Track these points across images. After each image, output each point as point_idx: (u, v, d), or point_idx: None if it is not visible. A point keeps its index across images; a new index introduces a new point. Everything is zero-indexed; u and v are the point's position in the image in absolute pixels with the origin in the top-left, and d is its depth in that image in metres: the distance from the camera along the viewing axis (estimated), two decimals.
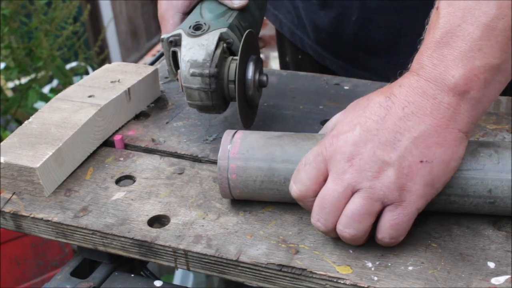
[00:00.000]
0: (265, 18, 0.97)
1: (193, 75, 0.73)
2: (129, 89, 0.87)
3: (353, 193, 0.59)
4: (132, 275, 0.71)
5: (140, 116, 0.89)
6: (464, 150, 0.60)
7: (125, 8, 3.47)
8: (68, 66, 2.38)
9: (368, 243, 0.63)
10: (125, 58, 3.44)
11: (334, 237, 0.63)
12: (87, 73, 2.43)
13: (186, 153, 0.80)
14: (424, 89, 0.59)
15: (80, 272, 0.72)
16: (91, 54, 2.46)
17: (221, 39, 0.75)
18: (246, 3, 0.80)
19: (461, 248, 0.62)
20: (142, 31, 3.67)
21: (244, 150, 0.67)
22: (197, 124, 0.86)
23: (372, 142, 0.59)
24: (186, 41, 0.75)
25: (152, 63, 0.98)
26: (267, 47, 2.84)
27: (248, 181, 0.66)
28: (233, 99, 0.77)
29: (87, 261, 0.74)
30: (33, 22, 2.11)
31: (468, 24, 0.57)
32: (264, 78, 0.78)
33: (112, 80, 0.88)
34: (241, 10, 0.80)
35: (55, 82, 2.61)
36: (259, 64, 0.78)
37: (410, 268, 0.60)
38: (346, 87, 0.95)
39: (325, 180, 0.61)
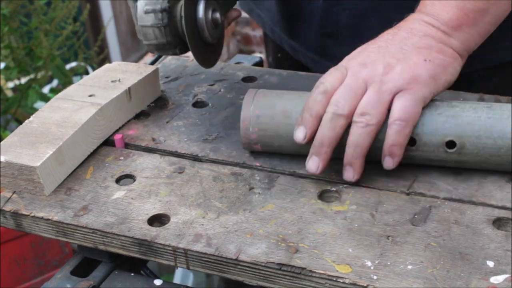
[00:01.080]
0: (252, 19, 0.98)
1: (146, 12, 0.76)
2: (129, 88, 0.87)
3: (366, 88, 0.68)
4: (132, 274, 0.71)
5: (140, 116, 0.90)
6: (459, 66, 0.72)
7: (125, 8, 3.46)
8: (68, 66, 2.38)
9: (368, 241, 0.63)
10: (125, 58, 3.44)
11: (331, 137, 0.68)
12: (87, 73, 2.43)
13: (186, 153, 0.80)
14: (424, 19, 0.72)
15: (80, 271, 0.72)
16: (91, 54, 2.45)
17: None
18: None
19: (461, 247, 0.62)
20: None
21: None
22: (197, 123, 0.86)
23: (382, 53, 0.70)
24: None
25: (152, 63, 0.98)
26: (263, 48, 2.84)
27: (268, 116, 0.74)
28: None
29: (87, 260, 0.74)
30: (33, 22, 2.11)
31: None
32: (217, 15, 0.80)
33: (113, 80, 0.88)
34: None
35: (55, 82, 2.61)
36: (212, 2, 0.80)
37: (410, 267, 0.60)
38: None
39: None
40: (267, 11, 1.12)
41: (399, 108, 0.67)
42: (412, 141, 0.70)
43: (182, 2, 0.77)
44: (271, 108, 0.74)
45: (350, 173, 0.70)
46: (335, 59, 1.00)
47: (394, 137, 0.67)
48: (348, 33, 0.98)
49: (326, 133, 0.68)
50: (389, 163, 0.69)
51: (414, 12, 0.75)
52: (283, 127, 0.73)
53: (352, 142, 0.68)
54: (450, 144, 0.69)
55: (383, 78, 0.68)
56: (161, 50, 0.80)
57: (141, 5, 0.77)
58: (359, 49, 0.73)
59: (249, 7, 1.15)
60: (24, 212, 0.71)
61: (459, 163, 0.71)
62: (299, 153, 0.74)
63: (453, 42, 0.71)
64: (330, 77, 0.70)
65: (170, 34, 0.77)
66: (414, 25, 0.72)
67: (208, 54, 0.83)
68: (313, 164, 0.70)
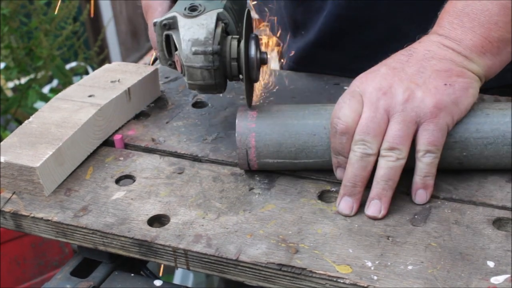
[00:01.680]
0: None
1: (195, 53, 0.72)
2: (129, 89, 0.87)
3: (389, 118, 0.66)
4: (132, 275, 0.71)
5: (140, 116, 0.90)
6: (478, 87, 0.69)
7: (125, 8, 3.46)
8: (68, 66, 2.38)
9: (368, 241, 0.63)
10: (125, 58, 3.44)
11: (367, 169, 0.66)
12: (87, 73, 2.43)
13: (186, 153, 0.80)
14: (444, 43, 0.69)
15: (80, 272, 0.72)
16: (91, 54, 2.45)
17: (218, 19, 0.75)
18: None
19: (461, 247, 0.62)
20: (142, 31, 3.66)
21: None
22: (197, 124, 0.86)
23: (399, 75, 0.67)
24: (183, 22, 0.74)
25: (152, 63, 0.98)
26: (265, 48, 2.83)
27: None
28: (234, 78, 0.77)
29: (87, 261, 0.74)
30: (33, 22, 2.11)
31: (488, 1, 0.68)
32: (265, 56, 0.78)
33: (112, 80, 0.88)
34: None
35: (55, 82, 2.61)
36: (259, 42, 0.78)
37: (410, 267, 0.60)
38: (345, 87, 0.95)
39: (360, 111, 0.67)
40: (275, 14, 1.11)
41: (427, 141, 0.66)
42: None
43: (231, 42, 0.74)
44: (269, 118, 0.72)
45: (377, 208, 0.67)
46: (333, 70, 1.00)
47: (428, 168, 0.67)
48: (349, 42, 0.97)
49: (358, 173, 0.67)
50: (422, 196, 0.68)
51: (429, 34, 0.71)
52: (283, 127, 0.72)
53: (383, 177, 0.66)
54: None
55: (405, 106, 0.65)
56: (205, 90, 0.77)
57: (187, 44, 0.73)
58: (371, 70, 0.70)
59: (260, 9, 1.14)
60: (24, 213, 0.71)
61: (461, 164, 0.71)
62: (298, 167, 0.73)
63: (474, 67, 0.69)
64: (347, 110, 0.67)
65: (218, 76, 0.74)
66: (432, 47, 0.69)
67: (251, 92, 0.81)
68: (347, 205, 0.67)
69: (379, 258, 0.61)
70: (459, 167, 0.71)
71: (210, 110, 0.90)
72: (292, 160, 0.72)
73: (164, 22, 0.75)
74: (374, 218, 0.66)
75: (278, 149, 0.71)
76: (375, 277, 0.59)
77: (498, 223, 0.65)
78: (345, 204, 0.67)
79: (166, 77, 0.99)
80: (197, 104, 0.92)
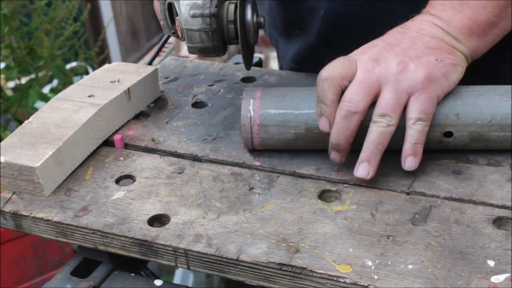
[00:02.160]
0: None
1: (193, 16, 0.75)
2: (129, 89, 0.87)
3: (380, 86, 0.69)
4: (132, 275, 0.71)
5: (140, 116, 0.90)
6: (465, 67, 0.73)
7: (125, 8, 3.46)
8: (68, 66, 2.38)
9: (368, 241, 0.63)
10: (125, 58, 3.44)
11: (348, 135, 0.69)
12: (87, 73, 2.43)
13: (186, 153, 0.80)
14: (435, 22, 0.72)
15: (80, 272, 0.72)
16: (91, 54, 2.45)
17: None
18: None
19: (461, 246, 0.62)
20: (142, 31, 3.66)
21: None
22: (196, 123, 0.86)
23: (394, 50, 0.70)
24: None
25: (149, 63, 0.98)
26: (266, 47, 2.83)
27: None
28: (232, 40, 0.79)
29: (87, 261, 0.74)
30: (33, 22, 2.11)
31: None
32: (262, 19, 0.81)
33: (112, 80, 0.88)
34: None
35: (55, 82, 2.61)
36: (255, 6, 0.80)
37: (410, 266, 0.60)
38: None
39: (352, 74, 0.70)
40: (266, 14, 1.11)
41: (418, 109, 0.69)
42: (448, 134, 0.72)
43: (228, 6, 0.77)
44: (274, 94, 0.75)
45: (365, 170, 0.70)
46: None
47: (418, 136, 0.69)
48: (352, 40, 0.97)
49: (342, 132, 0.70)
50: (412, 163, 0.70)
51: (422, 13, 0.75)
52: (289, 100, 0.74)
53: (374, 140, 0.69)
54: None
55: (398, 77, 0.69)
56: (204, 53, 0.80)
57: (185, 8, 0.76)
58: (368, 44, 0.73)
59: None
60: (24, 213, 0.71)
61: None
62: (301, 145, 0.75)
63: (461, 47, 0.72)
64: (336, 63, 0.71)
65: (216, 38, 0.77)
66: (424, 26, 0.72)
67: (249, 56, 0.84)
68: (336, 156, 0.72)
69: (380, 257, 0.61)
70: (456, 122, 0.72)
71: (210, 110, 0.90)
72: (294, 110, 0.73)
73: None
74: (363, 179, 0.70)
75: (281, 99, 0.74)
76: (376, 277, 0.59)
77: (498, 222, 0.65)
78: (334, 155, 0.72)
79: (166, 77, 1.00)
80: (197, 104, 0.92)
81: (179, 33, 0.79)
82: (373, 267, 0.60)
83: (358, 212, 0.68)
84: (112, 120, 0.84)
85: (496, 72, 0.84)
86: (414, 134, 0.69)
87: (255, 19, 0.79)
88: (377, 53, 0.71)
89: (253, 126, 0.74)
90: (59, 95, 0.86)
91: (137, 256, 0.68)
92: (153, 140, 0.83)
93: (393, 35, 0.73)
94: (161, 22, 0.84)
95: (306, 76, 0.98)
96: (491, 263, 0.60)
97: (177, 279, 1.82)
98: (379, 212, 0.67)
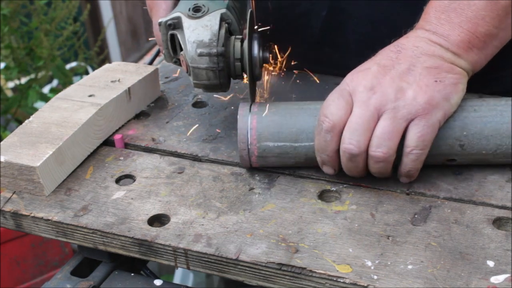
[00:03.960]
0: None
1: (200, 55, 0.74)
2: (129, 88, 0.87)
3: (379, 116, 0.66)
4: (132, 274, 0.71)
5: (140, 116, 0.90)
6: (466, 82, 0.69)
7: (125, 8, 3.46)
8: (68, 66, 2.38)
9: (368, 241, 0.63)
10: (125, 58, 3.44)
11: (359, 170, 0.68)
12: (87, 73, 2.43)
13: (186, 153, 0.80)
14: (431, 38, 0.69)
15: (80, 271, 0.72)
16: (91, 54, 2.45)
17: (222, 19, 0.76)
18: None
19: (461, 247, 0.62)
20: (142, 31, 3.66)
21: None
22: (197, 123, 0.86)
23: (389, 74, 0.67)
24: (188, 23, 0.75)
25: (150, 63, 0.98)
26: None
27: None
28: (238, 77, 0.78)
29: (87, 260, 0.74)
30: (33, 22, 2.11)
31: None
32: (267, 55, 0.79)
33: (113, 80, 0.88)
34: None
35: (55, 82, 2.61)
36: (261, 42, 0.79)
37: (410, 267, 0.60)
38: None
39: (349, 111, 0.67)
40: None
41: (416, 136, 0.66)
42: (452, 160, 0.71)
43: (234, 43, 0.76)
44: (271, 124, 0.72)
45: None
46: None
47: (412, 164, 0.67)
48: (355, 43, 0.97)
49: (352, 170, 0.69)
50: (405, 181, 0.71)
51: (415, 28, 0.71)
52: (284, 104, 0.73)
53: (374, 172, 0.69)
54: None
55: (396, 104, 0.65)
56: (210, 89, 0.78)
57: (192, 46, 0.74)
58: (361, 67, 0.70)
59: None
60: (24, 213, 0.71)
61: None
62: (298, 153, 0.73)
63: (462, 63, 0.69)
64: (334, 108, 0.67)
65: (223, 76, 0.76)
66: (420, 43, 0.69)
67: (254, 90, 0.82)
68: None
69: (379, 257, 0.61)
70: (461, 152, 0.70)
71: (210, 110, 0.90)
72: (292, 143, 0.71)
73: (169, 22, 0.77)
74: (350, 182, 0.71)
75: (279, 130, 0.72)
76: (375, 277, 0.59)
77: (498, 222, 0.65)
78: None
79: (166, 77, 1.00)
80: (197, 104, 0.92)
81: (184, 68, 0.78)
82: (372, 267, 0.60)
83: (358, 212, 0.68)
84: (112, 120, 0.84)
85: (496, 78, 0.83)
86: (408, 162, 0.67)
87: (261, 54, 0.78)
88: (371, 79, 0.67)
89: (252, 157, 0.73)
90: (60, 94, 0.86)
91: (137, 256, 0.68)
92: (153, 140, 0.83)
93: (387, 55, 0.69)
94: (161, 49, 0.82)
95: (306, 76, 0.98)
96: (490, 263, 0.60)
97: (177, 279, 1.82)
98: (379, 212, 0.67)
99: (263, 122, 0.72)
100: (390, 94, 0.66)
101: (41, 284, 0.83)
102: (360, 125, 0.65)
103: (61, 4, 2.18)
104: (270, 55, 0.80)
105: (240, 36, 0.77)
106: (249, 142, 0.72)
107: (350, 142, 0.66)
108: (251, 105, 0.74)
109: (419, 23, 0.71)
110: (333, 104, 0.67)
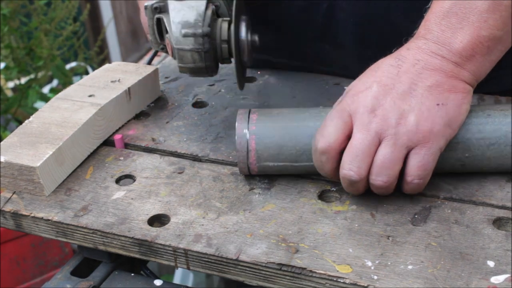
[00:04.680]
0: None
1: (185, 35, 0.72)
2: (129, 88, 0.87)
3: (380, 141, 0.64)
4: (132, 274, 0.71)
5: (140, 116, 0.90)
6: (471, 98, 0.67)
7: (125, 8, 3.46)
8: (68, 66, 2.38)
9: (368, 241, 0.63)
10: (125, 58, 3.44)
11: (360, 191, 0.67)
12: (87, 73, 2.43)
13: (186, 153, 0.80)
14: (432, 50, 0.66)
15: (80, 271, 0.72)
16: (91, 54, 2.45)
17: (209, 1, 0.74)
18: None
19: (461, 247, 0.62)
20: (142, 31, 3.66)
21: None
22: (197, 123, 0.86)
23: (390, 94, 0.65)
24: (173, 4, 0.73)
25: (148, 63, 0.98)
26: None
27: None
28: (225, 60, 0.76)
29: (87, 260, 0.74)
30: (33, 22, 2.11)
31: None
32: (256, 38, 0.77)
33: (113, 80, 0.88)
34: None
35: (55, 82, 2.61)
36: (250, 25, 0.77)
37: (410, 267, 0.60)
38: (346, 87, 0.95)
39: (350, 134, 0.65)
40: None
41: (417, 166, 0.64)
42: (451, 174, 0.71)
43: (221, 24, 0.74)
44: (270, 145, 0.71)
45: None
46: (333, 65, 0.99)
47: (413, 191, 0.67)
48: (353, 39, 0.97)
49: (353, 191, 0.68)
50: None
51: (416, 37, 0.68)
52: (284, 114, 0.72)
53: (376, 193, 0.67)
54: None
55: (397, 130, 0.63)
56: (196, 73, 0.76)
57: (176, 27, 0.72)
58: (360, 85, 0.67)
59: None
60: (24, 213, 0.71)
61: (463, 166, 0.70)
62: (298, 170, 0.72)
63: (465, 74, 0.66)
64: (332, 129, 0.65)
65: (209, 58, 0.74)
66: (421, 56, 0.66)
67: (243, 75, 0.80)
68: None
69: (379, 257, 0.61)
70: (461, 170, 0.70)
71: (210, 110, 0.90)
72: (292, 163, 0.71)
73: (155, 5, 0.75)
74: None
75: (278, 152, 0.70)
76: (375, 277, 0.59)
77: (498, 222, 0.65)
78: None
79: (166, 77, 1.00)
80: (197, 104, 0.92)
81: (170, 52, 0.76)
82: (372, 268, 0.60)
83: (358, 212, 0.68)
84: (112, 120, 0.84)
85: (496, 76, 0.82)
86: (408, 189, 0.67)
87: (249, 37, 0.75)
88: (372, 100, 0.65)
89: (252, 172, 0.72)
90: (60, 94, 0.86)
91: (137, 256, 0.68)
92: (153, 140, 0.83)
93: (387, 71, 0.66)
94: (149, 36, 0.81)
95: (306, 75, 0.98)
96: (491, 263, 0.60)
97: (177, 279, 1.82)
98: (379, 212, 0.67)
99: (262, 144, 0.70)
100: (391, 118, 0.64)
101: (41, 284, 0.83)
102: (361, 151, 0.64)
103: (61, 4, 2.18)
104: (258, 38, 0.78)
105: (228, 18, 0.75)
106: (249, 162, 0.71)
107: (351, 169, 0.64)
108: (248, 120, 0.71)
109: (420, 31, 0.68)
110: (331, 125, 0.66)
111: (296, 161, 0.71)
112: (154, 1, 0.76)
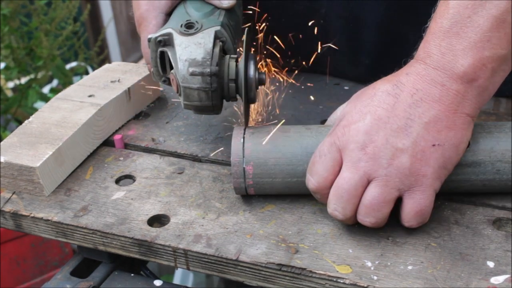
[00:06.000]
0: None
1: (193, 74, 0.69)
2: (129, 88, 0.87)
3: (369, 181, 0.61)
4: (132, 275, 0.71)
5: (140, 116, 0.90)
6: (471, 133, 0.63)
7: (125, 8, 3.46)
8: (68, 66, 2.38)
9: (368, 241, 0.63)
10: (125, 58, 3.44)
11: (350, 224, 0.64)
12: (87, 73, 2.43)
13: (186, 153, 0.80)
14: (432, 77, 0.61)
15: (80, 272, 0.72)
16: (91, 54, 2.45)
17: (216, 37, 0.72)
18: (234, 3, 0.77)
19: (461, 247, 0.62)
20: (140, 41, 3.65)
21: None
22: (197, 123, 0.86)
23: (384, 130, 0.61)
24: (179, 40, 0.71)
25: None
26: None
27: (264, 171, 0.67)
28: (231, 98, 0.74)
29: (87, 261, 0.74)
30: (33, 22, 2.11)
31: (478, 16, 0.60)
32: (263, 76, 0.75)
33: (112, 80, 0.88)
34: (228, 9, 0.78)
35: (55, 82, 2.61)
36: (257, 62, 0.75)
37: (410, 267, 0.60)
38: (346, 87, 0.95)
39: (338, 170, 0.62)
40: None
41: (413, 212, 0.61)
42: None
43: (228, 63, 0.72)
44: (267, 127, 0.69)
45: None
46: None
47: (415, 227, 0.64)
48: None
49: (346, 223, 0.65)
50: None
51: (416, 60, 0.63)
52: (280, 139, 0.68)
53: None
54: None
55: (388, 171, 0.60)
56: (201, 111, 0.74)
57: (184, 65, 0.70)
58: (354, 118, 0.63)
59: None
60: (24, 213, 0.71)
61: (474, 166, 0.67)
62: (297, 180, 0.69)
63: (466, 105, 0.61)
64: (321, 167, 0.63)
65: (216, 97, 0.71)
66: (420, 85, 0.61)
67: (248, 111, 0.77)
68: None
69: (379, 258, 0.61)
70: (483, 189, 0.68)
71: None
72: (290, 191, 0.69)
73: (159, 38, 0.73)
74: None
75: (276, 180, 0.68)
76: (375, 277, 0.59)
77: (498, 223, 0.65)
78: None
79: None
80: None
81: (174, 88, 0.73)
82: (372, 268, 0.60)
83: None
84: (112, 120, 0.84)
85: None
86: (407, 227, 0.64)
87: (257, 76, 0.73)
88: (363, 136, 0.61)
89: (249, 193, 0.70)
90: (59, 95, 0.86)
91: (137, 256, 0.68)
92: (153, 140, 0.83)
93: (383, 101, 0.62)
94: (149, 67, 0.78)
95: (306, 76, 0.97)
96: (490, 264, 0.60)
97: (176, 279, 1.82)
98: None
99: (259, 173, 0.68)
100: (383, 158, 0.60)
101: (41, 284, 0.83)
102: (347, 192, 0.61)
103: (61, 4, 2.18)
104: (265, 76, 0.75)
105: (235, 56, 0.73)
106: (246, 185, 0.69)
107: (335, 209, 0.63)
108: (243, 146, 0.68)
109: (420, 53, 0.63)
110: (319, 162, 0.63)
111: (293, 190, 0.69)
112: (159, 34, 0.73)
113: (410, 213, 0.62)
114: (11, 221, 0.73)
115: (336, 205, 0.62)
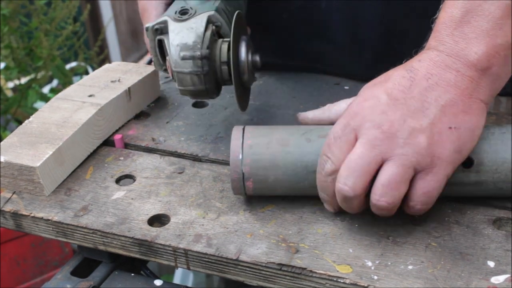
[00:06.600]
0: None
1: (184, 58, 0.70)
2: (129, 88, 0.87)
3: (383, 161, 0.60)
4: (132, 275, 0.71)
5: (140, 116, 0.90)
6: (485, 119, 0.62)
7: (125, 8, 3.46)
8: (68, 66, 2.38)
9: (368, 241, 0.63)
10: (125, 58, 3.44)
11: (355, 211, 0.63)
12: (87, 73, 2.43)
13: (186, 153, 0.80)
14: (447, 63, 0.61)
15: (80, 272, 0.72)
16: (91, 54, 2.45)
17: (209, 21, 0.72)
18: None
19: (461, 247, 0.62)
20: (142, 31, 3.66)
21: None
22: (197, 123, 0.86)
23: (401, 110, 0.60)
24: (173, 26, 0.72)
25: (149, 63, 0.98)
26: None
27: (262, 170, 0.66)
28: (226, 82, 0.74)
29: (87, 260, 0.74)
30: (33, 22, 2.11)
31: (489, 4, 0.60)
32: (257, 58, 0.75)
33: (113, 80, 0.88)
34: None
35: (55, 82, 2.61)
36: (251, 45, 0.75)
37: (410, 267, 0.60)
38: (346, 87, 0.95)
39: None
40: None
41: (421, 192, 0.60)
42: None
43: (221, 45, 0.72)
44: (265, 136, 0.67)
45: None
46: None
47: (413, 214, 0.64)
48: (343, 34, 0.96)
49: (347, 209, 0.64)
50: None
51: (427, 49, 0.63)
52: (280, 155, 0.66)
53: (380, 216, 0.63)
54: (467, 161, 0.64)
55: (406, 150, 0.59)
56: (197, 96, 0.74)
57: (175, 49, 0.70)
58: (368, 96, 0.63)
59: None
60: (24, 213, 0.71)
61: (477, 185, 0.66)
62: (297, 192, 0.69)
63: (480, 91, 0.61)
64: (337, 149, 0.61)
65: (209, 81, 0.72)
66: (434, 70, 0.61)
67: (244, 97, 0.77)
68: None
69: (379, 257, 0.61)
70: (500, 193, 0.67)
71: (210, 110, 0.90)
72: (293, 194, 0.69)
73: (156, 26, 0.74)
74: None
75: (277, 189, 0.68)
76: (375, 277, 0.59)
77: (498, 223, 0.65)
78: None
79: (166, 77, 1.00)
80: (197, 104, 0.92)
81: (170, 74, 0.74)
82: (373, 268, 0.60)
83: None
84: (112, 120, 0.84)
85: None
86: (409, 212, 0.63)
87: (250, 58, 0.73)
88: (380, 115, 0.60)
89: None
90: (60, 94, 0.86)
91: (137, 256, 0.68)
92: (153, 140, 0.83)
93: (398, 84, 0.61)
94: (151, 57, 0.79)
95: (306, 76, 0.98)
96: (491, 264, 0.60)
97: (177, 279, 1.82)
98: None
99: (259, 186, 0.67)
100: (400, 138, 0.59)
101: (41, 284, 0.83)
102: (360, 166, 0.60)
103: (61, 4, 2.18)
104: (259, 59, 0.75)
105: (229, 39, 0.72)
106: (245, 192, 0.68)
107: (345, 183, 0.60)
108: (242, 157, 0.67)
109: (431, 43, 0.63)
110: (335, 144, 0.62)
111: (296, 194, 0.69)
112: (155, 22, 0.74)
113: (418, 192, 0.61)
114: (11, 221, 0.73)
115: (346, 179, 0.60)
